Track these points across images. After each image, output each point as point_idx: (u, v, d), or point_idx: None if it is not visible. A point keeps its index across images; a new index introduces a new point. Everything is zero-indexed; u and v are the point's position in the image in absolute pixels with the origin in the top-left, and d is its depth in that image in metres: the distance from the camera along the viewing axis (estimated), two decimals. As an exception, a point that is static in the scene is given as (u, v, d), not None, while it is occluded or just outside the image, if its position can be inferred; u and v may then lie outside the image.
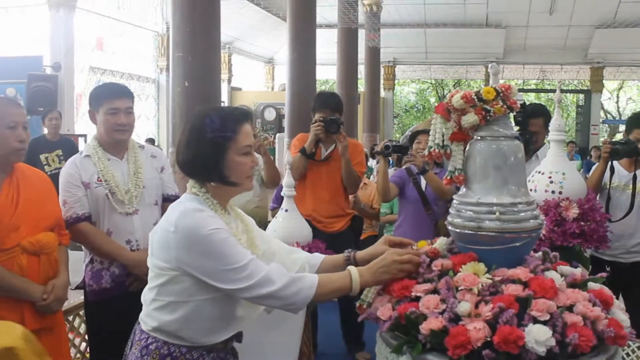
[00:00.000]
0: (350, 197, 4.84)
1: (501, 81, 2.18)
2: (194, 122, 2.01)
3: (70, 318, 3.60)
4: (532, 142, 3.96)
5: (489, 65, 2.26)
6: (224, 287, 1.88)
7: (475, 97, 2.07)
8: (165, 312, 1.97)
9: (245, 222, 2.19)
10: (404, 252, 1.98)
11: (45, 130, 7.47)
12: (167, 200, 3.19)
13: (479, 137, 2.13)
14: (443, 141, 2.15)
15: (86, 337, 3.57)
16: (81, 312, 3.65)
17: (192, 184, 2.04)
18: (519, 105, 2.13)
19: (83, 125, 11.56)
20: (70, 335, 3.51)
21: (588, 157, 15.49)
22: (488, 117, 2.08)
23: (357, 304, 2.19)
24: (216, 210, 2.01)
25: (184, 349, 1.97)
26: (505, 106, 2.07)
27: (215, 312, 1.98)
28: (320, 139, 4.31)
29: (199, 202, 1.99)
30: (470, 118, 2.08)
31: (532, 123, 3.97)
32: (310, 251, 3.61)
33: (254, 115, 4.41)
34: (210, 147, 1.95)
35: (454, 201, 2.18)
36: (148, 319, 2.01)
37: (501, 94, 2.07)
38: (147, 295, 2.04)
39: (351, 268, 1.97)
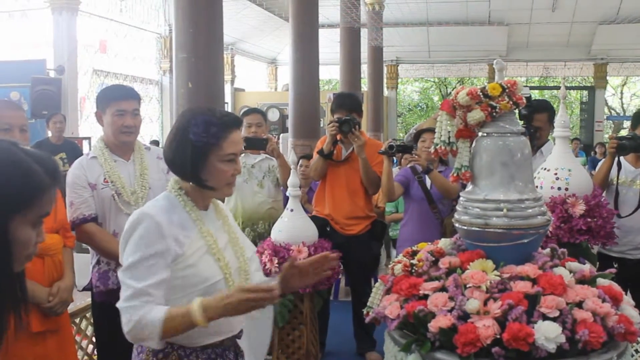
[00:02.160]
0: None
1: (504, 78, 2.17)
2: (181, 121, 2.00)
3: (77, 320, 3.60)
4: (536, 138, 3.94)
5: (494, 61, 2.25)
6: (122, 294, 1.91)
7: (481, 94, 2.07)
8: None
9: (229, 224, 2.16)
10: (254, 288, 1.82)
11: (50, 134, 7.48)
12: None
13: (485, 134, 2.12)
14: (449, 138, 2.15)
15: (93, 339, 3.57)
16: (88, 314, 3.66)
17: (172, 182, 2.06)
18: (525, 102, 2.12)
19: (87, 128, 11.58)
20: (77, 338, 3.51)
21: (592, 154, 15.44)
22: (494, 114, 2.07)
23: (365, 312, 2.19)
24: (190, 209, 2.00)
25: (175, 345, 1.96)
26: (511, 102, 2.07)
27: None
28: (340, 140, 4.35)
29: (169, 202, 2.01)
30: (476, 114, 2.08)
31: (536, 118, 3.96)
32: (315, 251, 3.63)
33: (267, 118, 4.36)
34: (191, 149, 1.93)
35: (461, 198, 2.17)
36: None
37: (507, 90, 2.06)
38: None
39: (196, 303, 1.82)
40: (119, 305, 1.89)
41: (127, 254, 1.92)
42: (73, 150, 7.46)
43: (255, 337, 2.23)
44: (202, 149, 1.93)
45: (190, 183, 2.00)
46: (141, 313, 1.83)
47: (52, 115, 7.58)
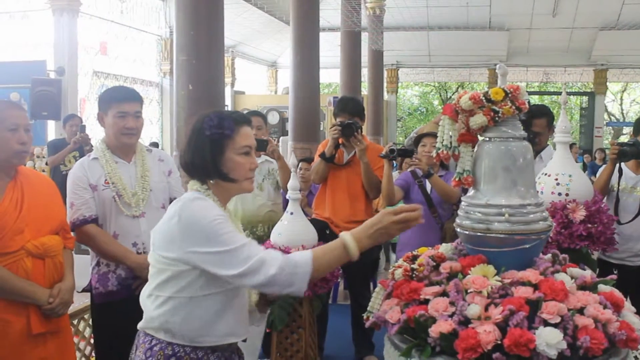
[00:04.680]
0: None
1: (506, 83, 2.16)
2: (195, 123, 2.06)
3: (75, 322, 3.59)
4: (535, 143, 3.94)
5: (497, 66, 2.25)
6: (224, 273, 1.88)
7: (483, 98, 2.06)
8: (167, 310, 1.97)
9: (239, 227, 2.20)
10: (399, 209, 1.93)
11: (66, 135, 7.63)
12: None
13: (487, 139, 2.12)
14: (451, 143, 2.14)
15: (91, 340, 3.56)
16: (86, 316, 3.65)
17: (192, 184, 2.07)
18: (527, 107, 2.11)
19: (87, 130, 11.55)
20: (75, 339, 3.50)
21: (592, 159, 15.45)
22: (496, 118, 2.07)
23: (365, 316, 2.19)
24: (219, 206, 2.04)
25: (188, 348, 1.98)
26: (514, 107, 2.06)
27: (216, 311, 1.99)
28: (342, 144, 4.36)
29: (200, 196, 2.03)
30: (478, 119, 2.07)
31: (535, 123, 3.96)
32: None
33: (267, 121, 4.39)
34: (209, 144, 2.00)
35: (463, 203, 2.17)
36: (150, 320, 2.02)
37: (510, 95, 2.06)
38: (147, 293, 2.04)
39: (344, 235, 1.93)
40: (251, 283, 1.89)
41: (212, 247, 1.89)
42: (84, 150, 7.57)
43: (249, 340, 2.24)
44: (219, 143, 2.00)
45: (212, 181, 2.04)
46: (277, 259, 1.88)
47: (69, 118, 7.74)
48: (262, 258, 1.88)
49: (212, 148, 2.00)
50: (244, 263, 1.87)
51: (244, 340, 2.16)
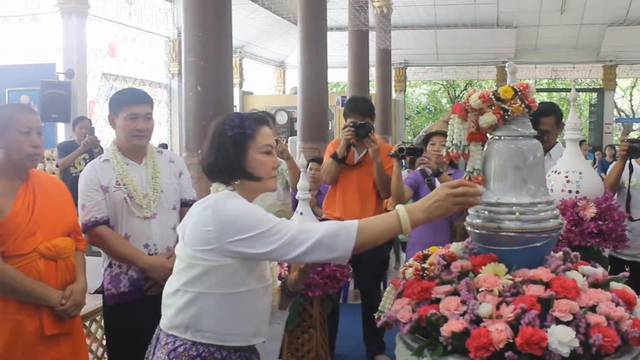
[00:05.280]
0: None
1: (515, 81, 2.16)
2: (215, 126, 2.09)
3: (87, 323, 3.61)
4: (543, 141, 3.92)
5: (507, 64, 2.24)
6: (265, 251, 1.90)
7: (493, 97, 2.06)
8: (198, 307, 1.97)
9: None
10: (458, 183, 1.92)
11: (75, 137, 7.66)
12: (186, 205, 3.19)
13: (497, 137, 2.12)
14: (461, 141, 2.14)
15: (103, 342, 3.58)
16: (97, 317, 3.67)
17: (215, 186, 2.08)
18: (537, 105, 2.11)
19: (97, 131, 11.60)
20: (87, 341, 3.52)
21: (602, 156, 15.37)
22: (506, 117, 2.07)
23: (376, 316, 2.19)
24: None
25: (212, 348, 1.98)
26: (523, 105, 2.06)
27: (246, 310, 2.00)
28: (352, 144, 4.36)
29: (231, 193, 2.05)
30: (488, 118, 2.07)
31: (543, 121, 3.94)
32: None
33: (276, 121, 4.41)
34: (232, 144, 2.03)
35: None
36: (175, 318, 2.00)
37: (519, 93, 2.06)
38: (174, 289, 2.03)
39: (399, 207, 1.94)
40: (295, 254, 1.90)
41: (249, 231, 1.91)
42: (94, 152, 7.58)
43: (268, 342, 2.25)
44: (241, 142, 2.03)
45: (236, 182, 2.05)
46: (318, 226, 1.91)
47: (79, 121, 7.75)
48: (301, 228, 1.92)
49: (235, 148, 2.03)
50: (283, 236, 1.89)
51: (264, 342, 2.17)
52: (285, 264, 3.57)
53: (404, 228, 1.90)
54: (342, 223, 1.93)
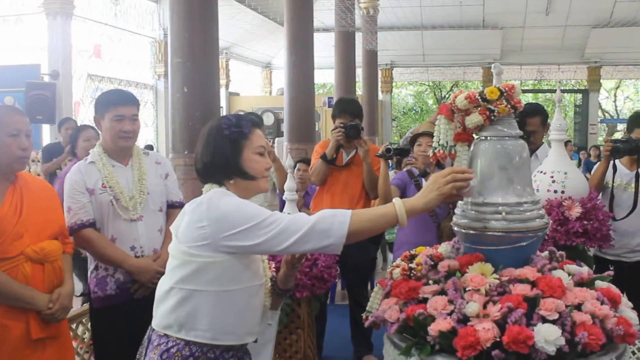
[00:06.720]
0: None
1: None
2: (210, 127, 2.11)
3: (74, 326, 3.58)
4: (530, 142, 3.95)
5: (493, 65, 2.26)
6: (258, 242, 1.91)
7: (479, 98, 2.07)
8: (191, 304, 1.97)
9: None
10: (447, 171, 1.95)
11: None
12: (172, 206, 3.18)
13: (483, 137, 2.13)
14: (448, 142, 2.15)
15: (90, 345, 3.56)
16: (84, 320, 3.64)
17: (209, 187, 2.08)
18: (522, 105, 2.13)
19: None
20: (74, 343, 3.50)
21: (587, 156, 15.49)
22: (492, 117, 2.08)
23: (364, 316, 2.20)
24: None
25: (205, 347, 1.98)
26: (509, 106, 2.07)
27: (239, 309, 2.01)
28: (341, 145, 4.36)
29: (225, 191, 2.07)
30: (474, 118, 2.09)
31: (529, 122, 3.97)
32: (312, 254, 3.62)
33: (262, 122, 4.41)
34: (229, 143, 2.06)
35: (460, 202, 2.18)
36: (168, 317, 2.00)
37: (505, 94, 2.07)
38: (167, 287, 2.02)
39: (395, 198, 1.97)
40: (287, 243, 1.91)
41: (243, 224, 1.92)
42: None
43: (260, 342, 2.25)
44: (238, 141, 2.06)
45: (231, 181, 2.07)
46: (311, 216, 1.93)
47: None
48: (295, 218, 1.94)
49: (232, 146, 2.05)
50: (276, 227, 1.91)
51: (255, 341, 2.17)
52: (274, 265, 3.57)
53: (399, 214, 1.91)
54: (335, 210, 1.95)
